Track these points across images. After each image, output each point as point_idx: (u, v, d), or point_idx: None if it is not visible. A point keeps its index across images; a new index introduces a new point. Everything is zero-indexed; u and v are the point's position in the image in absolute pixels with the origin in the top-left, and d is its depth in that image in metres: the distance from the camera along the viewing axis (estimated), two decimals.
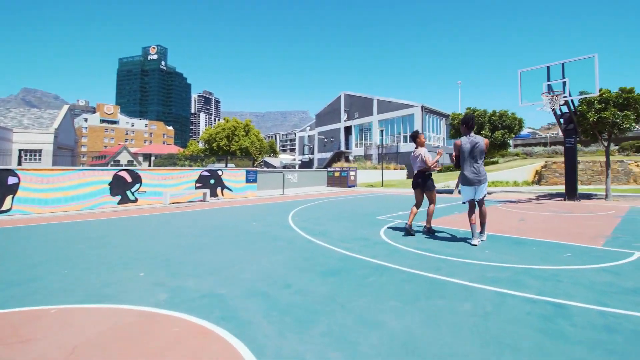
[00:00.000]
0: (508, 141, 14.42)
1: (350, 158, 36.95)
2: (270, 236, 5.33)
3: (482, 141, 4.65)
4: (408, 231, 5.29)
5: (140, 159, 54.97)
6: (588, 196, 11.65)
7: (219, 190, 12.35)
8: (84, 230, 5.96)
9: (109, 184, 9.58)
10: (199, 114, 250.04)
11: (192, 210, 9.05)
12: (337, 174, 20.87)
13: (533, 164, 21.00)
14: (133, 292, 2.90)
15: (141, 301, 2.69)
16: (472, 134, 4.77)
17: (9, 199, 7.92)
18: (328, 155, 40.59)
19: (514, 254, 4.08)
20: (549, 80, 10.26)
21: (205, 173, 12.03)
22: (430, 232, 5.38)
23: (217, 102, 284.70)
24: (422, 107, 30.36)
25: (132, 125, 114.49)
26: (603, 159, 19.38)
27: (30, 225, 6.51)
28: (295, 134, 69.06)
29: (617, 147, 24.88)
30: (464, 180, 4.73)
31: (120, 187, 9.81)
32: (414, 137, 5.58)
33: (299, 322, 2.30)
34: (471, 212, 4.78)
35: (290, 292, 2.89)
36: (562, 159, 20.50)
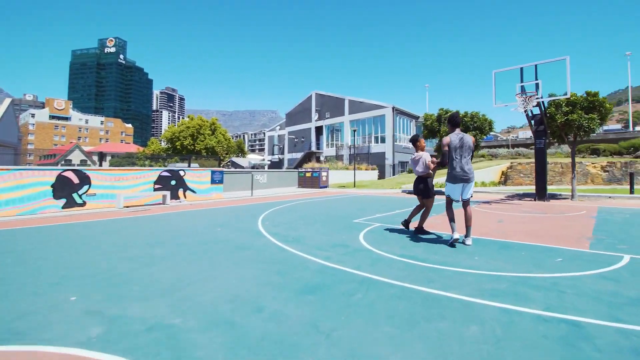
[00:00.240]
0: (480, 142, 14.73)
1: (322, 158, 36.61)
2: (238, 245, 4.71)
3: (470, 138, 4.52)
4: (407, 224, 5.69)
5: (95, 158, 51.05)
6: (554, 196, 12.07)
7: (180, 192, 11.38)
8: (10, 239, 4.97)
9: (52, 186, 8.39)
10: (162, 112, 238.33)
11: (148, 214, 8.14)
12: (308, 174, 20.36)
13: (499, 165, 21.81)
14: (56, 325, 2.24)
15: (64, 339, 2.05)
16: (458, 130, 4.57)
17: None
18: (299, 155, 40.00)
19: (504, 260, 3.83)
20: (522, 81, 10.43)
21: (166, 173, 11.04)
22: (418, 233, 5.35)
23: (182, 99, 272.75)
24: (393, 108, 30.71)
25: (86, 122, 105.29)
26: (563, 160, 20.50)
27: None
28: (264, 133, 67.68)
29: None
30: (452, 178, 4.55)
31: (66, 189, 8.64)
32: (414, 141, 5.50)
33: None
34: (449, 209, 4.68)
35: (262, 318, 2.35)
36: (527, 160, 21.54)
